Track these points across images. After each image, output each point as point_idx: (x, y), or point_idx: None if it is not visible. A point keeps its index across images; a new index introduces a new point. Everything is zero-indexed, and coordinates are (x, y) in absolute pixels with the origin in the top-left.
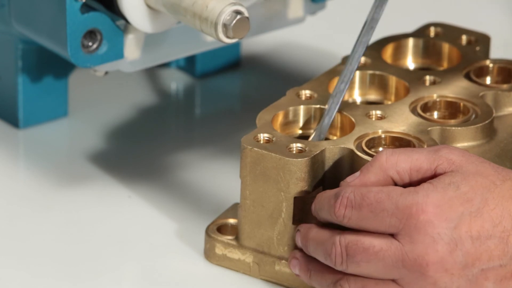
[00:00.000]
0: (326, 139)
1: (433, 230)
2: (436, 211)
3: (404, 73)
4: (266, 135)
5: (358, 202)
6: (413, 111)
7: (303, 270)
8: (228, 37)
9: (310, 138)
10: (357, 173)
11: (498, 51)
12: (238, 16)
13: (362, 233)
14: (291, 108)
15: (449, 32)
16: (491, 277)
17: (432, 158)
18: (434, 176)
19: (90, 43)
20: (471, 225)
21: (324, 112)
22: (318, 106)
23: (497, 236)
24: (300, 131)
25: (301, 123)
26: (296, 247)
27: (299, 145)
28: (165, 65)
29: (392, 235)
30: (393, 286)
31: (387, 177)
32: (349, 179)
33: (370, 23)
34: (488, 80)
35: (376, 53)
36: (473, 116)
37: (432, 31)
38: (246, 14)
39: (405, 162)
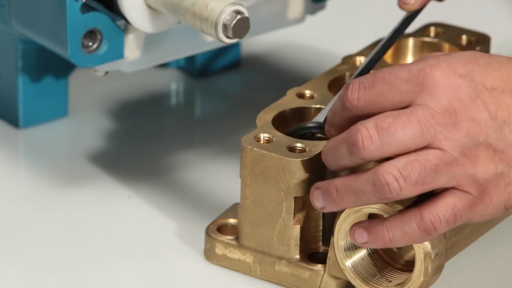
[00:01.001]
0: (325, 138)
1: (451, 83)
2: (449, 67)
3: None
4: (266, 135)
5: (371, 81)
6: None
7: (326, 194)
8: (228, 37)
9: (316, 118)
10: None
11: (498, 51)
12: (238, 16)
13: (382, 114)
14: (290, 108)
15: (449, 32)
16: None
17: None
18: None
19: (90, 43)
20: (483, 79)
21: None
22: (318, 106)
23: (509, 91)
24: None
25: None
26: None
27: (299, 145)
28: (165, 65)
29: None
30: (433, 151)
31: None
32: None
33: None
34: None
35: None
36: None
37: (432, 31)
38: (246, 14)
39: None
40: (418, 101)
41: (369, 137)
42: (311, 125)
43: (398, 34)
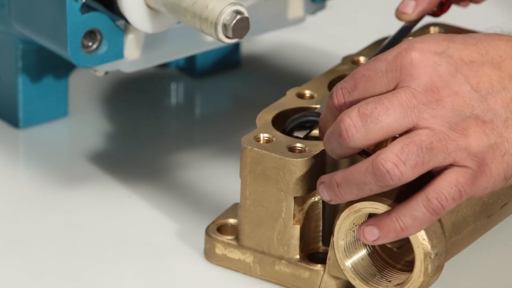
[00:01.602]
0: None
1: (429, 61)
2: (424, 46)
3: None
4: (266, 135)
5: (352, 83)
6: None
7: (329, 188)
8: (228, 37)
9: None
10: None
11: None
12: (238, 16)
13: (365, 101)
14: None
15: (449, 32)
16: (498, 101)
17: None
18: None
19: (90, 43)
20: (460, 54)
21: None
22: (318, 106)
23: (488, 62)
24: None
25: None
26: None
27: (299, 145)
28: (165, 65)
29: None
30: (423, 130)
31: None
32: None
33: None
34: None
35: (377, 53)
36: None
37: (432, 31)
38: (246, 14)
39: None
40: (400, 84)
41: (353, 125)
42: (312, 117)
43: (394, 44)
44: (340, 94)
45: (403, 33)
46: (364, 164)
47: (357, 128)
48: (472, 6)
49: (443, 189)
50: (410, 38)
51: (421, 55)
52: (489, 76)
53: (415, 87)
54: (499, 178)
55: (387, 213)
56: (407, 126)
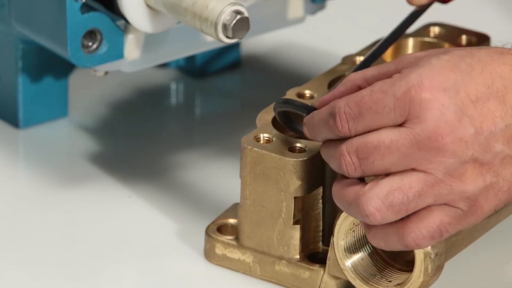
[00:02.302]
0: None
1: (438, 103)
2: (433, 84)
3: None
4: (266, 135)
5: (357, 111)
6: None
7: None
8: (228, 37)
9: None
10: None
11: None
12: (238, 16)
13: (367, 134)
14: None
15: (449, 32)
16: (500, 138)
17: (397, 60)
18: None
19: (90, 43)
20: (467, 89)
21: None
22: None
23: (493, 96)
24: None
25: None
26: None
27: (299, 145)
28: (165, 65)
29: (399, 126)
30: (416, 174)
31: (354, 86)
32: (322, 98)
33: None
34: None
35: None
36: None
37: (432, 31)
38: (246, 14)
39: (372, 70)
40: (407, 123)
41: (351, 164)
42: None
43: (402, 31)
44: (344, 119)
45: (411, 20)
46: (351, 196)
47: (355, 167)
48: (472, 6)
49: (423, 227)
50: (415, 55)
51: (430, 95)
52: (493, 113)
53: (420, 132)
54: (489, 213)
55: (368, 228)
56: (404, 169)
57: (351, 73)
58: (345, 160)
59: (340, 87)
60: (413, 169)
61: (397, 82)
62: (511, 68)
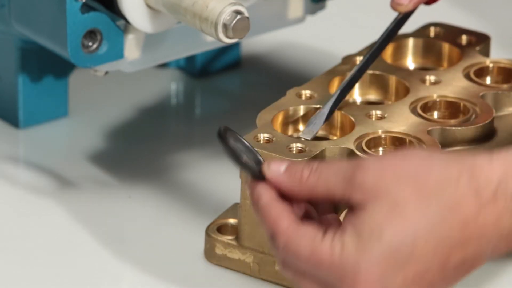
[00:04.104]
0: (325, 138)
1: None
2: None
3: (404, 73)
4: (266, 135)
5: (291, 272)
6: (413, 111)
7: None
8: (228, 37)
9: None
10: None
11: (498, 51)
12: (238, 16)
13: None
14: (291, 108)
15: (449, 32)
16: None
17: (345, 186)
18: (349, 205)
19: (90, 43)
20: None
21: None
22: (318, 106)
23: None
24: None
25: (301, 123)
26: None
27: (299, 145)
28: (165, 65)
29: None
30: None
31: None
32: (272, 169)
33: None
34: (488, 80)
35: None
36: (473, 116)
37: (432, 31)
38: (246, 14)
39: (322, 187)
40: None
41: (280, 251)
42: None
43: (391, 36)
44: (280, 260)
45: (399, 25)
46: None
47: (281, 258)
48: (472, 6)
49: None
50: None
51: None
52: None
53: None
54: None
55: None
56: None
57: (305, 169)
58: (277, 243)
59: (288, 177)
60: None
61: (337, 282)
62: (495, 225)
